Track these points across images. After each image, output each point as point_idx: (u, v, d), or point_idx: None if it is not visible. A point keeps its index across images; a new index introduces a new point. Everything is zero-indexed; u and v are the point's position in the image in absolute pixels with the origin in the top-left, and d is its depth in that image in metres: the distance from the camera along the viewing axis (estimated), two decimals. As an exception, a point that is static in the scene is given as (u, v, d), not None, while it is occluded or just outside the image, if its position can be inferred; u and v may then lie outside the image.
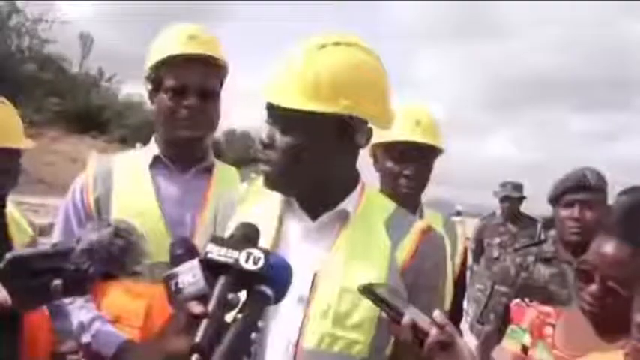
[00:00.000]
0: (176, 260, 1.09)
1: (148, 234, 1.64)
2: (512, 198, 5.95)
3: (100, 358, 1.76)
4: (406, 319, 1.13)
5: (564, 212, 2.37)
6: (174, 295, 1.05)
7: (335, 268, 1.26)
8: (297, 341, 1.24)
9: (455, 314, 2.24)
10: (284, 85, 1.25)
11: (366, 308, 1.23)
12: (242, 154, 27.17)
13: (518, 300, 1.80)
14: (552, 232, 2.58)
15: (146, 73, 1.92)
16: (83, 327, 1.78)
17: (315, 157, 1.27)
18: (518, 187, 6.01)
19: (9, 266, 1.09)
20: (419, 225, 1.37)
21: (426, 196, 2.29)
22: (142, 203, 1.84)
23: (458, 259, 2.35)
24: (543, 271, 2.42)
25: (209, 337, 0.95)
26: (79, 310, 1.80)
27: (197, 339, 0.94)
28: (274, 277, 1.04)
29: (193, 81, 1.84)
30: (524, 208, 6.12)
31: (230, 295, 0.99)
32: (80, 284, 1.14)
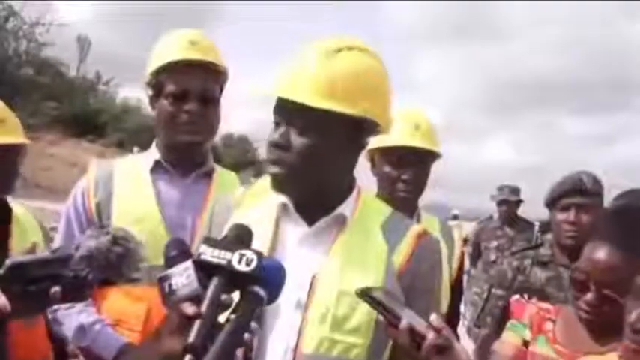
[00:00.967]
0: (170, 262, 1.10)
1: (149, 238, 1.65)
2: (509, 201, 5.97)
3: (100, 361, 1.76)
4: (404, 323, 1.13)
5: (561, 216, 2.38)
6: (168, 296, 1.06)
7: (332, 272, 1.27)
8: (296, 346, 1.24)
9: (452, 318, 2.25)
10: (303, 84, 1.24)
11: (364, 312, 1.23)
12: (240, 157, 27.19)
13: (517, 296, 1.81)
14: (549, 236, 2.59)
15: (147, 78, 1.93)
16: (83, 330, 1.78)
17: (329, 159, 1.28)
18: (515, 191, 6.03)
19: (8, 272, 1.09)
20: (414, 229, 1.38)
21: (423, 200, 2.30)
22: (143, 207, 1.85)
23: (455, 263, 2.35)
24: (540, 274, 2.43)
25: (202, 338, 0.96)
26: (79, 314, 1.80)
27: (190, 339, 0.95)
28: (267, 278, 1.05)
29: (194, 86, 1.85)
30: (522, 211, 6.14)
31: (223, 296, 1.00)
32: (79, 291, 1.14)
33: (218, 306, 0.99)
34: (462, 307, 2.70)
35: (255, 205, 1.37)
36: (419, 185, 2.18)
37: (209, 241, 1.06)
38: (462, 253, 2.42)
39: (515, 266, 2.50)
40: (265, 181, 1.36)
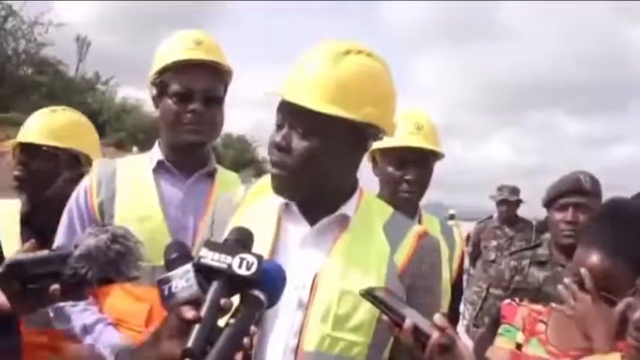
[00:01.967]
0: (170, 264, 1.10)
1: (151, 238, 1.66)
2: (509, 201, 5.99)
3: (102, 360, 1.76)
4: (408, 323, 1.14)
5: (558, 215, 2.39)
6: (168, 299, 1.06)
7: (334, 271, 1.27)
8: (298, 344, 1.24)
9: (451, 318, 2.25)
10: (308, 87, 1.24)
11: (366, 310, 1.24)
12: (239, 157, 27.19)
13: (508, 300, 1.82)
14: (547, 236, 2.59)
15: (151, 78, 1.93)
16: (86, 330, 1.79)
17: (331, 163, 1.28)
18: (515, 191, 6.05)
19: (7, 271, 1.09)
20: (415, 229, 1.39)
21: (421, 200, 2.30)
22: (146, 207, 1.86)
23: (455, 263, 2.36)
24: (537, 274, 2.44)
25: (201, 342, 0.96)
26: (82, 313, 1.81)
27: (189, 343, 0.95)
28: (267, 282, 1.05)
29: (198, 86, 1.86)
30: (520, 211, 6.15)
31: (223, 300, 1.00)
32: (78, 289, 1.14)
33: (218, 310, 0.99)
34: (462, 307, 2.70)
35: (258, 203, 1.38)
36: (421, 185, 2.18)
37: (210, 244, 1.06)
38: (462, 253, 2.42)
39: (513, 266, 2.51)
40: (267, 179, 1.36)
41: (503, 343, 1.69)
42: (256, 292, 1.04)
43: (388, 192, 2.14)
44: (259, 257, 1.04)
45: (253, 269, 1.02)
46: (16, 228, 2.17)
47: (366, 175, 2.18)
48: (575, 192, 2.36)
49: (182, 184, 1.93)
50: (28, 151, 2.27)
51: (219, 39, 1.99)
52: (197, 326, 0.97)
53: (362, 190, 1.40)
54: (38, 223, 2.14)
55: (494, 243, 5.95)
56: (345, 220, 1.33)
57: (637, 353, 1.36)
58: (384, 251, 1.32)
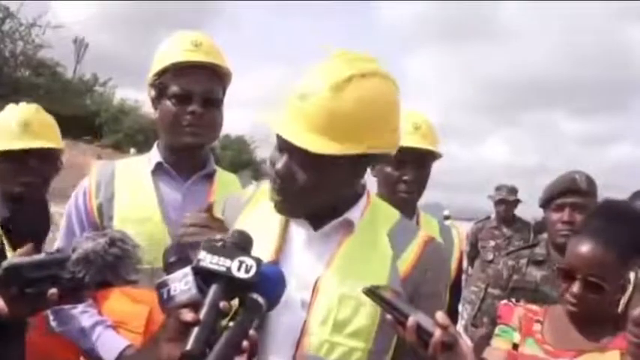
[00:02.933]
0: (169, 267, 1.10)
1: (150, 239, 1.66)
2: (507, 201, 5.99)
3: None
4: (411, 321, 1.14)
5: (555, 215, 2.40)
6: (166, 302, 1.06)
7: (336, 275, 1.27)
8: (297, 347, 1.24)
9: (450, 317, 2.25)
10: (303, 123, 1.19)
11: (366, 316, 1.24)
12: (237, 158, 27.17)
13: (505, 301, 1.84)
14: (544, 235, 2.60)
15: (150, 79, 1.92)
16: (85, 332, 1.79)
17: (331, 188, 1.28)
18: (513, 191, 6.05)
19: (4, 274, 1.09)
20: (421, 235, 1.39)
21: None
22: (144, 209, 1.86)
23: (453, 263, 2.36)
24: (535, 273, 2.45)
25: (201, 345, 0.96)
26: (81, 315, 1.81)
27: (188, 346, 0.96)
28: (266, 286, 1.05)
29: (197, 88, 1.85)
30: (519, 211, 6.16)
31: (222, 303, 1.00)
32: (75, 292, 1.14)
33: (217, 313, 1.00)
34: (460, 306, 2.71)
35: (265, 203, 1.37)
36: (420, 185, 2.19)
37: (209, 247, 1.06)
38: (461, 253, 2.43)
39: (510, 266, 2.52)
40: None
41: (499, 343, 1.70)
42: (255, 296, 1.05)
43: (386, 192, 2.14)
44: (258, 260, 1.04)
45: (252, 272, 1.02)
46: None
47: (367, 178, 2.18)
48: (571, 192, 2.37)
49: (181, 185, 1.93)
50: (41, 156, 2.27)
51: (218, 39, 1.98)
52: (196, 329, 0.97)
53: (369, 195, 1.40)
54: (22, 228, 2.07)
55: (492, 243, 5.95)
56: (349, 225, 1.33)
57: (635, 349, 1.37)
58: (387, 257, 1.32)
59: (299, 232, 1.33)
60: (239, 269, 1.03)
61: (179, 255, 1.13)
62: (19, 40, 20.55)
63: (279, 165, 1.24)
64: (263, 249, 1.22)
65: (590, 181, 2.39)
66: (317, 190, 1.25)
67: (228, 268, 1.03)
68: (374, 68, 1.23)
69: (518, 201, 6.06)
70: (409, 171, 2.13)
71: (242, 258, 1.04)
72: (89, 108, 22.52)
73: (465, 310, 4.02)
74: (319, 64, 1.25)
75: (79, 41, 24.72)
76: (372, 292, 1.19)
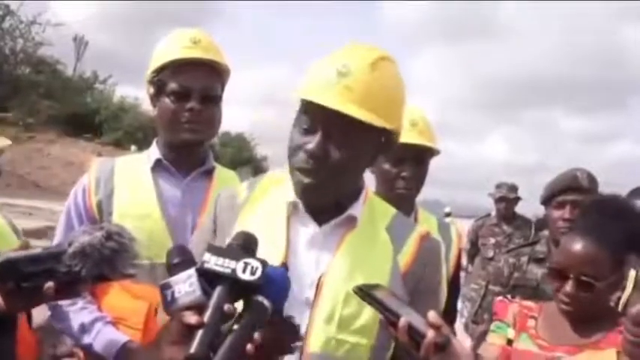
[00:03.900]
0: (173, 269, 1.09)
1: (150, 236, 1.65)
2: (508, 198, 5.99)
3: (101, 359, 1.76)
4: (402, 322, 1.13)
5: (556, 213, 2.40)
6: (170, 304, 1.05)
7: (340, 272, 1.27)
8: (303, 345, 1.24)
9: (448, 315, 2.25)
10: (344, 93, 1.20)
11: (370, 312, 1.24)
12: (237, 155, 27.17)
13: (501, 297, 1.84)
14: (545, 233, 2.60)
15: (148, 76, 1.93)
16: (84, 328, 1.78)
17: (359, 170, 1.30)
18: (513, 188, 6.05)
19: (0, 269, 1.08)
20: (418, 231, 1.39)
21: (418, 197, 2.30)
22: (144, 205, 1.86)
23: (452, 260, 2.35)
24: (536, 271, 2.45)
25: (205, 348, 0.95)
26: (80, 312, 1.81)
27: (192, 350, 0.94)
28: (271, 288, 1.04)
29: (196, 85, 1.86)
30: (519, 208, 6.16)
31: (227, 306, 0.99)
32: (72, 286, 1.14)
33: (221, 315, 0.99)
34: (460, 304, 2.71)
35: (264, 202, 1.37)
36: (418, 182, 2.18)
37: (213, 249, 1.04)
38: (459, 251, 2.42)
39: (511, 263, 2.52)
40: (270, 177, 1.36)
41: (494, 339, 1.71)
42: (260, 298, 1.03)
43: (384, 189, 2.14)
44: (264, 262, 1.02)
45: (258, 274, 1.01)
46: None
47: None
48: (572, 189, 2.37)
49: (180, 182, 1.93)
50: None
51: (218, 37, 1.98)
52: (200, 332, 0.96)
53: (367, 190, 1.40)
54: None
55: (492, 240, 5.95)
56: (352, 221, 1.32)
57: (632, 348, 1.37)
58: (388, 252, 1.32)
59: (302, 230, 1.33)
60: (244, 271, 1.01)
61: (183, 256, 1.12)
62: (19, 37, 20.53)
63: (313, 145, 1.21)
64: (270, 250, 1.21)
65: (592, 179, 2.39)
66: (349, 169, 1.25)
67: (233, 270, 1.01)
68: (388, 55, 1.28)
69: (518, 198, 6.06)
70: (407, 167, 2.13)
71: (247, 260, 1.02)
72: (89, 105, 22.49)
73: (465, 308, 4.02)
74: (342, 49, 1.28)
75: (79, 39, 24.70)
76: (362, 292, 1.17)
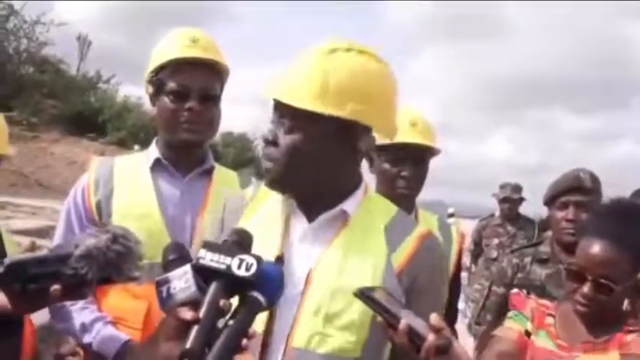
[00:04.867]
0: (169, 265, 1.10)
1: (149, 235, 1.66)
2: (511, 199, 5.99)
3: (101, 359, 1.76)
4: (402, 324, 1.12)
5: (559, 213, 2.40)
6: (166, 300, 1.05)
7: (329, 267, 1.27)
8: (287, 339, 1.24)
9: (449, 315, 2.25)
10: (293, 84, 1.25)
11: (359, 309, 1.23)
12: (239, 155, 27.17)
13: (516, 290, 1.83)
14: (549, 233, 2.59)
15: (148, 76, 1.93)
16: (85, 328, 1.79)
17: (316, 158, 1.28)
18: (517, 189, 6.05)
19: (7, 271, 1.09)
20: (418, 230, 1.38)
21: (419, 197, 2.30)
22: (143, 205, 1.86)
23: (452, 260, 2.36)
24: (539, 271, 2.44)
25: (200, 343, 0.95)
26: (81, 311, 1.81)
27: (188, 345, 0.95)
28: (266, 284, 1.05)
29: (195, 84, 1.86)
30: (522, 208, 6.15)
31: (222, 301, 1.00)
32: (78, 289, 1.14)
33: (217, 311, 0.99)
34: (463, 304, 2.71)
35: (268, 202, 1.39)
36: (418, 181, 2.19)
37: (209, 245, 1.05)
38: (460, 250, 2.42)
39: (515, 264, 2.51)
40: None
41: (513, 324, 1.70)
42: (255, 294, 1.04)
43: (385, 189, 2.14)
44: (258, 258, 1.03)
45: (252, 270, 1.02)
46: None
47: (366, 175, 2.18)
48: (575, 190, 2.36)
49: (179, 181, 1.93)
50: None
51: (220, 36, 1.98)
52: (196, 327, 0.97)
53: (367, 189, 1.40)
54: None
55: (496, 241, 5.95)
56: (344, 217, 1.32)
57: None
58: (381, 250, 1.31)
59: (297, 226, 1.34)
60: (239, 267, 1.02)
61: (178, 253, 1.12)
62: (22, 37, 20.56)
63: (268, 131, 1.30)
64: (266, 245, 1.23)
65: (595, 179, 2.39)
66: (301, 156, 1.27)
67: (228, 266, 1.02)
68: (364, 48, 1.29)
69: (522, 199, 6.06)
70: (407, 167, 2.13)
71: (242, 256, 1.03)
72: (93, 105, 22.49)
73: (468, 309, 4.02)
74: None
75: (82, 38, 24.71)
76: (362, 294, 1.17)
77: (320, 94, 1.23)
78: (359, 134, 1.29)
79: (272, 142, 1.29)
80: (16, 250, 2.11)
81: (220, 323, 1.00)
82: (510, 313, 1.74)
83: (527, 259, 2.51)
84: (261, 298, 1.04)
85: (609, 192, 2.36)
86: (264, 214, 1.37)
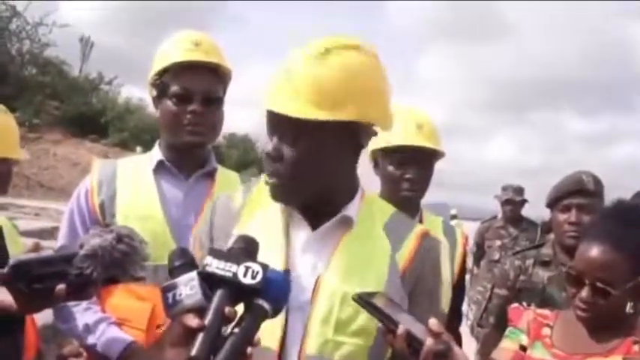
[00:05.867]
0: (174, 271, 1.10)
1: (152, 237, 1.66)
2: (514, 201, 5.98)
3: (104, 359, 1.77)
4: (401, 329, 1.12)
5: (562, 216, 2.39)
6: (172, 306, 1.06)
7: (336, 274, 1.26)
8: (301, 348, 1.23)
9: (453, 318, 2.25)
10: (289, 93, 1.21)
11: (368, 315, 1.22)
12: (243, 157, 27.17)
13: (516, 304, 1.83)
14: (551, 236, 2.59)
15: (151, 79, 1.94)
16: (88, 329, 1.79)
17: (324, 166, 1.26)
18: (519, 191, 6.04)
19: (12, 271, 1.10)
20: (417, 229, 1.38)
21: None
22: (146, 207, 1.86)
23: (457, 263, 2.35)
24: (542, 274, 2.43)
25: (206, 350, 0.96)
26: (84, 312, 1.82)
27: (193, 352, 0.95)
28: (272, 292, 1.05)
29: (198, 87, 1.87)
30: (525, 210, 6.14)
31: (227, 309, 1.00)
32: (83, 289, 1.15)
33: (222, 318, 1.00)
34: (466, 307, 2.70)
35: (262, 208, 1.36)
36: (422, 184, 2.19)
37: (215, 252, 1.06)
38: (464, 253, 2.42)
39: (517, 266, 2.51)
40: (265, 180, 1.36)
41: (507, 344, 1.70)
42: (260, 302, 1.04)
43: (389, 191, 2.15)
44: (264, 266, 1.04)
45: (258, 278, 1.02)
46: None
47: (369, 177, 2.18)
48: (578, 193, 2.36)
49: (182, 183, 1.94)
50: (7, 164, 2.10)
51: (223, 38, 2.00)
52: (201, 334, 0.97)
53: (363, 191, 1.39)
54: None
55: (498, 243, 5.94)
56: (347, 222, 1.31)
57: None
58: (385, 251, 1.31)
59: (299, 234, 1.32)
60: (245, 275, 1.02)
61: (184, 259, 1.13)
62: (25, 38, 20.59)
63: (270, 146, 1.25)
64: (270, 255, 1.21)
65: (597, 182, 2.38)
66: (309, 167, 1.24)
67: (235, 274, 1.02)
68: (353, 43, 1.25)
69: (524, 201, 6.05)
70: (412, 170, 2.13)
71: (248, 264, 1.03)
72: (95, 106, 22.50)
73: (470, 311, 4.02)
74: (300, 47, 1.27)
75: (84, 40, 24.74)
76: (361, 300, 1.17)
77: (317, 101, 1.19)
78: (360, 131, 1.27)
79: (276, 158, 1.24)
80: (21, 251, 2.10)
81: (226, 330, 1.01)
82: (507, 331, 1.74)
83: (530, 262, 2.50)
84: (266, 305, 1.05)
85: (613, 194, 2.35)
86: (261, 219, 1.34)
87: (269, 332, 1.17)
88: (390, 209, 1.42)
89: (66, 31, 21.45)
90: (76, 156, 18.29)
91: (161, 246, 1.65)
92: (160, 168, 1.95)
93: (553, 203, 2.44)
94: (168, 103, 1.88)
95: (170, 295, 1.06)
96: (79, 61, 24.70)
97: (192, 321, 0.99)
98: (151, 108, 2.02)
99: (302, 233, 1.31)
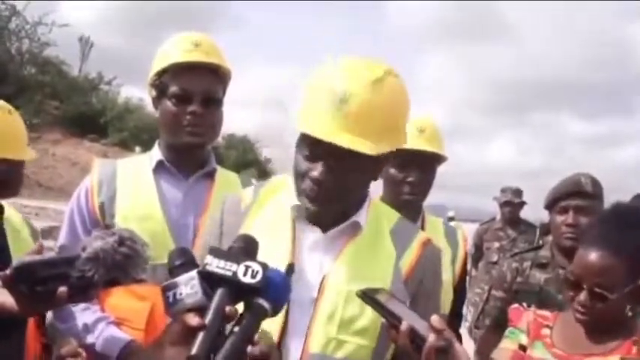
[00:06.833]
0: (175, 271, 1.11)
1: (151, 237, 1.67)
2: (512, 203, 5.99)
3: (104, 359, 1.77)
4: (404, 325, 1.14)
5: (559, 218, 2.39)
6: (172, 305, 1.06)
7: (342, 274, 1.28)
8: (304, 346, 1.25)
9: (453, 320, 2.26)
10: (344, 124, 1.18)
11: (372, 314, 1.24)
12: (241, 158, 27.17)
13: (516, 305, 1.83)
14: (549, 238, 2.59)
15: (150, 79, 1.94)
16: (87, 328, 1.79)
17: (356, 189, 1.31)
18: (518, 193, 6.06)
19: (15, 273, 1.10)
20: (420, 236, 1.41)
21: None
22: (146, 207, 1.87)
23: (458, 265, 2.36)
24: (539, 276, 2.44)
25: (206, 349, 0.96)
26: (83, 312, 1.82)
27: (193, 351, 0.96)
28: (272, 291, 1.06)
29: (197, 88, 1.87)
30: (524, 212, 6.15)
31: (227, 308, 1.01)
32: (85, 291, 1.15)
33: (222, 318, 1.00)
34: (464, 308, 2.70)
35: (270, 207, 1.38)
36: (424, 187, 2.20)
37: (215, 251, 1.06)
38: (465, 255, 2.43)
39: (514, 268, 2.51)
40: (276, 181, 1.38)
41: (507, 344, 1.70)
42: (260, 301, 1.05)
43: (391, 194, 2.15)
44: (264, 265, 1.04)
45: (258, 278, 1.03)
46: None
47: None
48: (575, 194, 2.36)
49: (182, 183, 1.94)
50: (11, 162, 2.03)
51: (223, 39, 2.01)
52: (201, 333, 0.98)
53: (370, 198, 1.41)
54: None
55: (496, 244, 5.95)
56: (356, 227, 1.34)
57: None
58: (391, 256, 1.34)
59: (307, 233, 1.34)
60: (245, 274, 1.03)
61: (184, 258, 1.13)
62: (24, 38, 20.57)
63: (317, 173, 1.23)
64: (275, 252, 1.23)
65: (596, 184, 2.38)
66: (351, 194, 1.29)
67: (235, 273, 1.03)
68: (387, 67, 1.24)
69: (523, 203, 6.06)
70: (414, 173, 2.14)
71: (248, 263, 1.04)
72: (94, 106, 22.49)
73: (469, 313, 4.02)
74: (338, 68, 1.23)
75: (84, 40, 24.73)
76: (365, 295, 1.19)
77: (375, 131, 1.19)
78: (389, 155, 1.29)
79: (322, 184, 1.24)
80: (24, 250, 2.10)
81: (226, 329, 1.01)
82: (507, 332, 1.75)
83: (527, 264, 2.50)
84: (266, 304, 1.05)
85: (614, 197, 2.36)
86: (268, 218, 1.36)
87: (269, 327, 1.19)
88: (395, 215, 1.45)
89: (65, 31, 21.44)
90: (76, 156, 18.29)
91: (160, 246, 1.66)
92: (159, 168, 1.95)
93: (551, 205, 2.45)
94: (168, 104, 1.89)
95: (170, 294, 1.07)
96: (78, 61, 24.68)
97: (192, 320, 0.99)
98: (150, 108, 2.01)
99: (310, 233, 1.34)
